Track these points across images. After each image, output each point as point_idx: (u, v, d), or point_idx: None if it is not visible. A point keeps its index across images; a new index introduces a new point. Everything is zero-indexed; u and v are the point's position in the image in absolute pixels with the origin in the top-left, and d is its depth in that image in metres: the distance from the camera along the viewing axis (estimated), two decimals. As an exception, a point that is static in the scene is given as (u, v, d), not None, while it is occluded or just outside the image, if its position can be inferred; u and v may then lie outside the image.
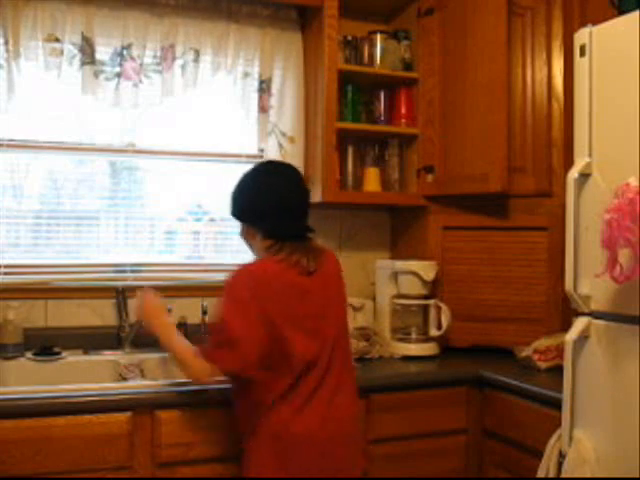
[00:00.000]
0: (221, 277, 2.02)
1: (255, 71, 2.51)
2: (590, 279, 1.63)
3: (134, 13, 2.33)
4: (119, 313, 2.32)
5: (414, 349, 2.39)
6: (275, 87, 2.54)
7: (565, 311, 2.24)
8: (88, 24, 2.26)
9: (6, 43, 2.17)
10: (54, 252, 2.40)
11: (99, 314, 2.37)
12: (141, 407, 1.76)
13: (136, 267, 2.44)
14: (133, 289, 2.21)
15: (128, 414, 1.74)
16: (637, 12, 1.55)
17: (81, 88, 2.27)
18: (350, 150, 2.60)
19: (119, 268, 2.42)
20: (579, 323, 1.66)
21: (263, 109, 2.53)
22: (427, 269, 2.39)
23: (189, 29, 2.40)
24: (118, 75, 2.31)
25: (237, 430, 1.73)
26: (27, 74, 2.23)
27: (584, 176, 1.67)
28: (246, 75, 2.50)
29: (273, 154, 2.52)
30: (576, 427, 1.66)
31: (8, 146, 2.29)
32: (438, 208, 2.52)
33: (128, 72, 2.32)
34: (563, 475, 1.66)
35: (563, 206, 1.79)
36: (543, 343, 2.19)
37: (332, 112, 2.38)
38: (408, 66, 2.59)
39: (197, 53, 2.41)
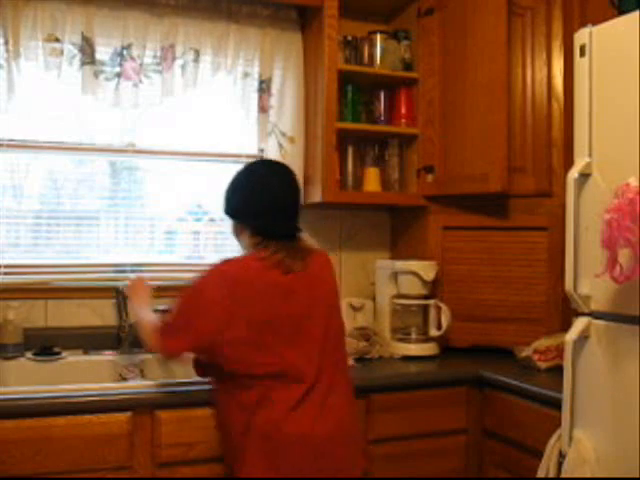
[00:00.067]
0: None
1: (255, 71, 2.51)
2: (590, 279, 1.63)
3: (134, 13, 2.33)
4: (119, 313, 2.32)
5: (414, 349, 2.39)
6: (275, 87, 2.54)
7: (565, 311, 2.24)
8: (88, 24, 2.26)
9: (6, 43, 2.17)
10: (54, 252, 2.40)
11: (99, 314, 2.37)
12: (141, 407, 1.76)
13: (136, 267, 2.43)
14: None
15: (128, 414, 1.74)
16: (637, 12, 1.56)
17: (81, 88, 2.27)
18: (350, 150, 2.60)
19: (119, 268, 2.42)
20: (579, 323, 1.66)
21: (263, 109, 2.53)
22: (427, 269, 2.39)
23: (189, 29, 2.40)
24: (118, 75, 2.31)
25: (223, 430, 1.71)
26: (27, 74, 2.23)
27: (584, 176, 1.67)
28: (246, 75, 2.50)
29: (273, 154, 2.52)
30: (576, 427, 1.66)
31: (8, 146, 2.29)
32: (438, 208, 2.52)
33: (128, 72, 2.32)
34: (563, 475, 1.66)
35: (563, 206, 1.79)
36: (543, 343, 2.19)
37: (332, 112, 2.38)
38: (408, 66, 2.59)
39: (197, 53, 2.41)
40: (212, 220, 2.62)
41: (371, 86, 2.61)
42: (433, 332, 2.41)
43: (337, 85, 2.39)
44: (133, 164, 2.54)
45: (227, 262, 1.65)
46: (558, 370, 1.86)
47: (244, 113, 2.52)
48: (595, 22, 1.69)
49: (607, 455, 1.58)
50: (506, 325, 2.41)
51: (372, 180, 2.56)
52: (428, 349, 2.38)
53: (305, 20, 2.57)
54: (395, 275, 2.46)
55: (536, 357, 2.17)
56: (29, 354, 2.17)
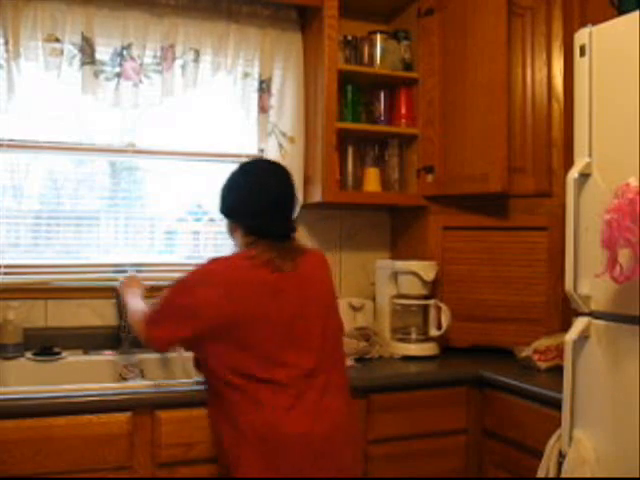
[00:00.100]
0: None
1: (255, 71, 2.51)
2: (590, 279, 1.63)
3: (134, 13, 2.33)
4: (119, 313, 2.32)
5: (414, 349, 2.39)
6: (275, 87, 2.54)
7: (565, 311, 2.24)
8: (88, 24, 2.26)
9: (6, 43, 2.17)
10: (54, 252, 2.40)
11: (99, 314, 2.37)
12: (141, 407, 1.76)
13: (136, 267, 2.43)
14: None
15: (128, 414, 1.74)
16: (637, 12, 1.56)
17: (81, 88, 2.27)
18: (350, 150, 2.60)
19: (119, 268, 2.41)
20: (579, 323, 1.66)
21: (263, 109, 2.53)
22: (427, 269, 2.39)
23: (189, 29, 2.40)
24: (118, 75, 2.31)
25: (217, 431, 1.69)
26: (27, 74, 2.23)
27: (584, 176, 1.67)
28: (246, 75, 2.50)
29: (273, 154, 2.52)
30: (576, 427, 1.66)
31: (8, 146, 2.29)
32: (438, 208, 2.52)
33: (128, 72, 2.32)
34: (563, 475, 1.66)
35: (563, 206, 1.79)
36: (543, 343, 2.19)
37: (332, 112, 2.38)
38: (408, 66, 2.59)
39: (197, 53, 2.41)
40: (212, 220, 2.62)
41: (371, 86, 2.61)
42: (433, 332, 2.41)
43: (337, 85, 2.39)
44: (133, 164, 2.54)
45: (216, 261, 1.65)
46: (558, 370, 1.86)
47: (244, 113, 2.52)
48: (595, 22, 1.69)
49: (607, 455, 1.58)
50: (506, 325, 2.41)
51: (372, 180, 2.56)
52: (428, 349, 2.38)
53: (305, 20, 2.57)
54: (395, 275, 2.46)
55: (536, 357, 2.17)
56: (29, 354, 2.17)
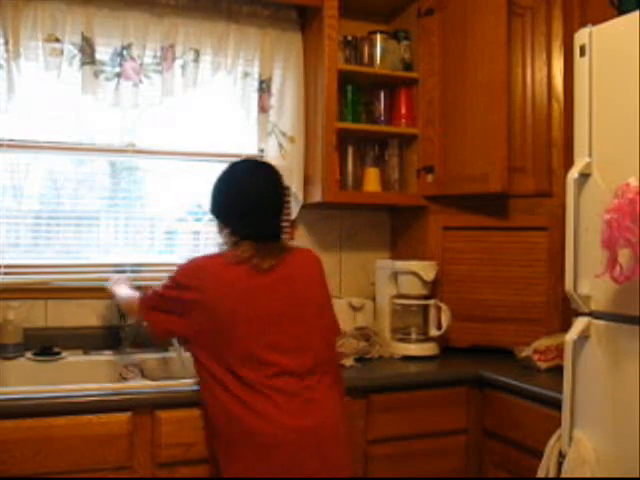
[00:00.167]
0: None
1: (255, 71, 2.51)
2: (590, 279, 1.63)
3: (134, 13, 2.33)
4: (119, 313, 2.32)
5: (414, 349, 2.39)
6: (275, 87, 2.54)
7: (565, 311, 2.24)
8: (88, 24, 2.26)
9: (6, 43, 2.17)
10: (54, 252, 2.40)
11: (99, 314, 2.37)
12: (141, 407, 1.76)
13: (136, 267, 2.43)
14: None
15: (128, 414, 1.74)
16: (637, 12, 1.56)
17: (81, 88, 2.27)
18: (350, 150, 2.60)
19: (119, 268, 2.41)
20: (579, 323, 1.66)
21: (263, 109, 2.53)
22: (427, 269, 2.39)
23: (189, 29, 2.40)
24: (118, 75, 2.31)
25: (207, 426, 1.70)
26: (27, 74, 2.23)
27: (584, 176, 1.67)
28: (246, 75, 2.50)
29: (273, 154, 2.53)
30: (576, 427, 1.66)
31: (8, 146, 2.29)
32: (438, 208, 2.52)
33: (128, 72, 2.32)
34: (563, 475, 1.66)
35: (563, 206, 1.79)
36: (543, 343, 2.19)
37: (332, 112, 2.38)
38: (408, 66, 2.59)
39: (197, 53, 2.41)
40: (212, 220, 2.61)
41: (371, 86, 2.61)
42: (433, 332, 2.41)
43: (337, 85, 2.39)
44: (133, 164, 2.54)
45: (203, 258, 1.70)
46: (558, 370, 1.86)
47: (244, 113, 2.52)
48: (595, 22, 1.69)
49: (607, 455, 1.58)
50: (506, 325, 2.41)
51: (372, 180, 2.56)
52: (428, 349, 2.38)
53: (305, 20, 2.57)
54: (395, 275, 2.46)
55: (536, 357, 2.17)
56: (29, 354, 2.17)
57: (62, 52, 2.24)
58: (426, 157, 2.54)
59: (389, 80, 2.57)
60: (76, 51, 2.26)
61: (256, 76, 2.51)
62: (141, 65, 2.34)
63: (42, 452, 1.65)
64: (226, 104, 2.52)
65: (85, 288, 2.35)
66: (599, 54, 1.66)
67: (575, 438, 1.65)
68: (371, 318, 2.54)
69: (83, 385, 1.82)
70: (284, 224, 2.61)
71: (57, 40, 2.23)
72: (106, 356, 2.25)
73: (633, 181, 1.49)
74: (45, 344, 2.22)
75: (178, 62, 2.39)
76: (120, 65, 2.31)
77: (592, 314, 1.65)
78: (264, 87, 2.52)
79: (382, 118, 2.61)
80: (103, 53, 2.30)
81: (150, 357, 2.26)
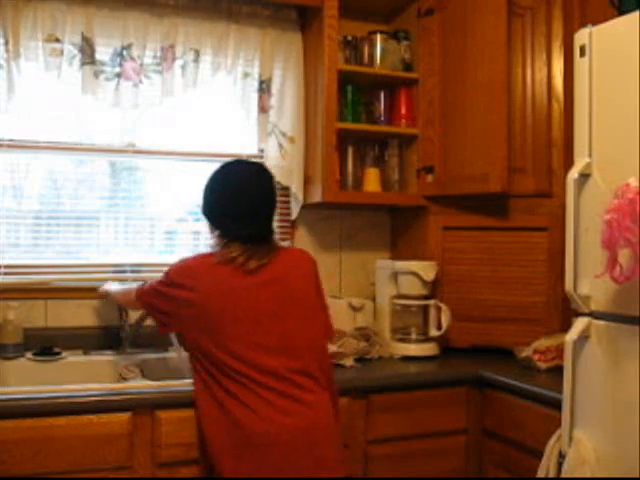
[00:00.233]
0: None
1: (255, 71, 2.51)
2: (590, 279, 1.63)
3: (134, 13, 2.33)
4: (119, 313, 2.32)
5: (414, 349, 2.39)
6: (275, 87, 2.54)
7: (565, 311, 2.24)
8: (88, 24, 2.26)
9: (6, 43, 2.17)
10: (54, 252, 2.40)
11: (99, 314, 2.37)
12: (141, 407, 1.77)
13: (136, 267, 2.44)
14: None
15: (128, 414, 1.75)
16: (637, 12, 1.56)
17: (81, 88, 2.27)
18: (350, 150, 2.60)
19: (119, 268, 2.42)
20: (579, 323, 1.66)
21: (263, 109, 2.53)
22: (427, 269, 2.39)
23: (189, 29, 2.40)
24: (118, 75, 2.31)
25: (198, 424, 1.68)
26: (27, 74, 2.23)
27: (584, 176, 1.67)
28: (246, 75, 2.50)
29: (273, 154, 2.53)
30: (576, 427, 1.66)
31: (8, 146, 2.29)
32: (438, 208, 2.52)
33: (128, 72, 2.32)
34: (563, 475, 1.66)
35: (563, 206, 1.79)
36: (543, 343, 2.19)
37: (332, 112, 2.38)
38: (408, 66, 2.59)
39: (197, 53, 2.41)
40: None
41: (371, 86, 2.61)
42: (433, 332, 2.41)
43: (337, 85, 2.39)
44: (133, 164, 2.54)
45: (195, 258, 1.71)
46: (558, 370, 1.86)
47: (244, 113, 2.52)
48: (595, 22, 1.69)
49: (607, 455, 1.58)
50: (506, 325, 2.41)
51: (372, 180, 2.56)
52: (428, 349, 2.38)
53: (305, 20, 2.57)
54: (395, 275, 2.46)
55: (536, 357, 2.17)
56: (29, 354, 2.17)
57: (62, 52, 2.24)
58: (426, 157, 2.54)
59: (389, 80, 2.58)
60: (76, 51, 2.26)
61: (256, 76, 2.51)
62: (141, 65, 2.34)
63: (42, 452, 1.65)
64: (226, 104, 2.52)
65: (85, 288, 2.35)
66: (599, 54, 1.66)
67: (575, 438, 1.65)
68: (371, 318, 2.54)
69: (83, 385, 1.83)
70: (284, 224, 2.64)
71: (57, 40, 2.23)
72: (106, 356, 2.25)
73: (633, 181, 1.49)
74: (45, 344, 2.22)
75: (178, 62, 2.39)
76: (120, 65, 2.31)
77: (592, 314, 1.65)
78: (264, 87, 2.52)
79: (382, 118, 2.61)
80: (103, 53, 2.30)
81: (150, 357, 2.26)
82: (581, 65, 1.71)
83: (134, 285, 1.92)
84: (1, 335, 2.17)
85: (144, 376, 2.12)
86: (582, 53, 1.70)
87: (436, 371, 2.24)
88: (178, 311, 1.65)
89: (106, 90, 2.31)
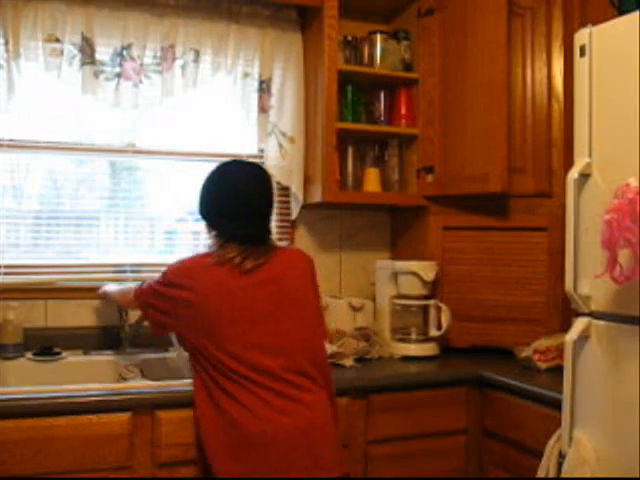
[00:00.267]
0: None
1: (255, 71, 2.51)
2: (590, 279, 1.63)
3: (134, 13, 2.33)
4: (119, 313, 2.32)
5: (414, 349, 2.39)
6: (275, 87, 2.54)
7: (565, 311, 2.24)
8: (88, 24, 2.26)
9: (6, 43, 2.17)
10: (54, 252, 2.40)
11: (99, 314, 2.37)
12: (141, 407, 1.76)
13: (136, 267, 2.43)
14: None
15: (128, 414, 1.74)
16: (637, 12, 1.56)
17: (81, 88, 2.27)
18: (350, 150, 2.60)
19: (119, 268, 2.42)
20: (579, 323, 1.66)
21: (263, 109, 2.53)
22: (427, 269, 2.39)
23: (189, 29, 2.40)
24: (118, 75, 2.31)
25: (196, 423, 1.70)
26: (27, 74, 2.23)
27: (584, 176, 1.67)
28: (246, 75, 2.50)
29: (273, 154, 2.53)
30: (576, 427, 1.66)
31: (8, 146, 2.29)
32: (438, 208, 2.52)
33: (128, 72, 2.32)
34: (563, 475, 1.66)
35: (563, 206, 1.79)
36: (543, 343, 2.19)
37: (332, 112, 2.38)
38: (408, 66, 2.59)
39: (197, 53, 2.41)
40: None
41: (371, 86, 2.61)
42: (433, 332, 2.41)
43: (337, 85, 2.39)
44: (133, 164, 2.54)
45: (193, 258, 1.72)
46: (558, 370, 1.86)
47: (244, 113, 2.52)
48: (595, 22, 1.69)
49: (607, 455, 1.58)
50: (506, 325, 2.41)
51: (372, 180, 2.56)
52: (428, 349, 2.38)
53: (305, 20, 2.57)
54: (395, 275, 2.46)
55: (536, 357, 2.17)
56: (29, 354, 2.17)
57: (62, 52, 2.24)
58: (426, 157, 2.54)
59: (389, 80, 2.58)
60: (76, 51, 2.26)
61: (256, 76, 2.51)
62: (141, 65, 2.34)
63: (42, 452, 1.65)
64: (226, 104, 2.52)
65: (85, 288, 2.34)
66: (599, 54, 1.66)
67: (575, 438, 1.65)
68: (371, 318, 2.54)
69: (83, 385, 1.82)
70: (284, 224, 2.64)
71: (57, 40, 2.23)
72: (106, 356, 2.25)
73: (633, 181, 1.49)
74: (45, 344, 2.22)
75: (178, 62, 2.39)
76: (120, 65, 2.31)
77: (592, 314, 1.65)
78: (264, 87, 2.52)
79: (382, 118, 2.61)
80: (103, 53, 2.30)
81: (150, 357, 2.26)
82: (581, 65, 1.71)
83: (132, 285, 1.92)
84: (1, 335, 2.17)
85: (144, 376, 2.11)
86: (582, 53, 1.70)
87: (436, 371, 2.24)
88: (176, 311, 1.66)
89: (106, 90, 2.31)
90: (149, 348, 2.31)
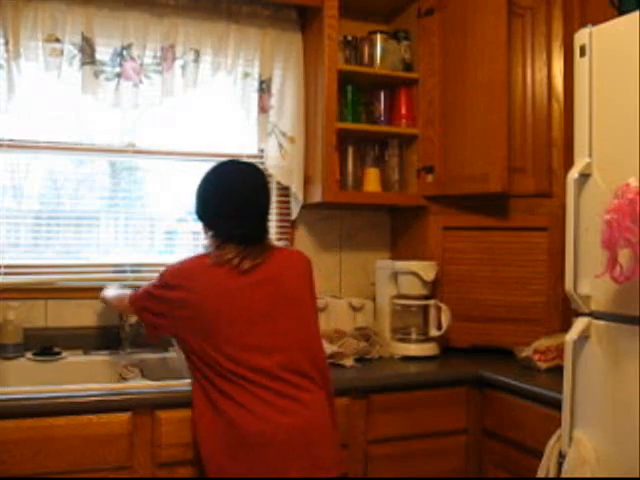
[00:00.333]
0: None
1: (255, 71, 2.51)
2: (590, 279, 1.63)
3: (134, 13, 2.33)
4: (119, 313, 2.32)
5: (414, 349, 2.39)
6: (275, 87, 2.54)
7: (565, 311, 2.24)
8: (88, 24, 2.26)
9: (6, 43, 2.17)
10: (54, 252, 2.40)
11: (99, 314, 2.37)
12: (141, 407, 1.76)
13: (136, 267, 2.44)
14: (134, 289, 2.21)
15: (128, 414, 1.74)
16: (637, 12, 1.56)
17: (81, 88, 2.27)
18: (350, 150, 2.60)
19: (119, 268, 2.42)
20: (579, 323, 1.66)
21: (263, 109, 2.53)
22: (427, 269, 2.39)
23: (189, 29, 2.40)
24: (118, 75, 2.31)
25: (193, 424, 1.70)
26: (27, 74, 2.23)
27: (584, 176, 1.67)
28: (246, 75, 2.50)
29: (273, 154, 2.53)
30: (576, 427, 1.66)
31: (8, 146, 2.29)
32: (438, 208, 2.52)
33: (128, 72, 2.32)
34: (563, 475, 1.66)
35: (563, 206, 1.79)
36: (543, 343, 2.19)
37: (332, 112, 2.38)
38: (408, 66, 2.59)
39: (197, 53, 2.41)
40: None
41: (371, 86, 2.61)
42: (433, 332, 2.41)
43: (337, 85, 2.39)
44: (133, 164, 2.54)
45: (190, 259, 1.71)
46: (558, 370, 1.86)
47: (244, 113, 2.52)
48: (595, 22, 1.69)
49: (607, 455, 1.58)
50: (506, 325, 2.41)
51: (372, 180, 2.56)
52: (428, 349, 2.38)
53: (305, 20, 2.57)
54: (395, 275, 2.46)
55: (536, 357, 2.17)
56: (29, 354, 2.17)
57: (62, 52, 2.24)
58: (426, 157, 2.54)
59: (389, 80, 2.57)
60: (76, 51, 2.26)
61: (256, 76, 2.51)
62: (141, 65, 2.34)
63: (42, 452, 1.65)
64: (226, 104, 2.52)
65: (85, 288, 2.35)
66: (599, 54, 1.66)
67: (575, 438, 1.65)
68: (371, 318, 2.54)
69: (83, 385, 1.82)
70: (284, 224, 2.64)
71: (57, 40, 2.23)
72: (106, 356, 2.25)
73: (633, 181, 1.49)
74: (45, 344, 2.22)
75: (178, 62, 2.39)
76: (120, 65, 2.31)
77: (592, 314, 1.65)
78: (264, 87, 2.52)
79: (382, 118, 2.61)
80: (103, 53, 2.30)
81: (150, 357, 2.27)
82: (581, 65, 1.71)
83: (128, 292, 1.91)
84: (1, 335, 2.17)
85: (144, 376, 2.12)
86: (582, 53, 1.70)
87: (436, 371, 2.24)
88: (173, 312, 1.66)
89: (106, 90, 2.31)
90: (149, 348, 2.31)
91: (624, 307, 1.55)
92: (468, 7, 2.38)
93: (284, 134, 2.53)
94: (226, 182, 1.75)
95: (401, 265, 2.44)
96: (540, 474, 1.76)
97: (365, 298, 2.59)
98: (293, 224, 2.66)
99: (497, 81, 2.29)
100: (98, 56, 2.29)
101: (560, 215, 2.18)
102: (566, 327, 1.85)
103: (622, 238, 1.46)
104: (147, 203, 2.54)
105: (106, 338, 2.34)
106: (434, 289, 2.46)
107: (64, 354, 2.21)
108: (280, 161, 2.52)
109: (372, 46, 2.55)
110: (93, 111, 2.36)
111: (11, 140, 2.30)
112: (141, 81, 2.34)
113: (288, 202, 2.64)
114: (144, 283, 2.21)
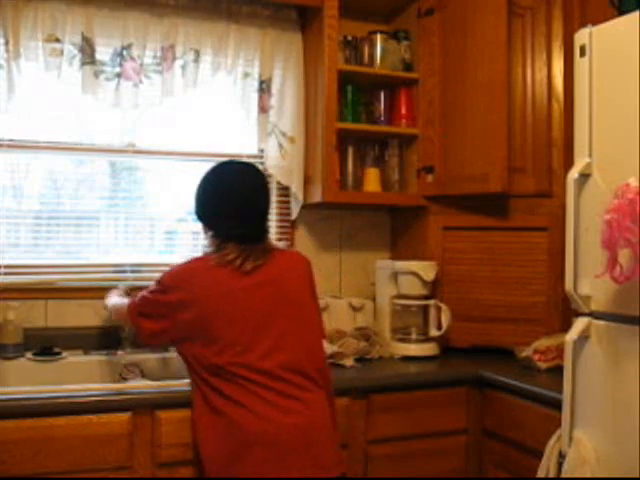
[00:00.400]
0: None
1: (255, 71, 2.51)
2: (590, 279, 1.63)
3: (134, 13, 2.33)
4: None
5: (414, 349, 2.39)
6: (275, 87, 2.54)
7: (565, 311, 2.24)
8: (88, 24, 2.26)
9: (6, 43, 2.17)
10: (54, 252, 2.40)
11: (99, 314, 2.37)
12: (141, 407, 1.76)
13: (136, 267, 2.44)
14: (134, 289, 2.21)
15: (128, 414, 1.74)
16: (637, 12, 1.56)
17: (81, 88, 2.27)
18: (350, 150, 2.60)
19: (119, 268, 2.42)
20: (579, 323, 1.66)
21: (263, 109, 2.53)
22: (427, 269, 2.39)
23: (189, 29, 2.40)
24: (118, 75, 2.31)
25: (193, 424, 1.70)
26: (27, 74, 2.23)
27: (584, 176, 1.67)
28: (246, 75, 2.50)
29: (273, 154, 2.53)
30: (576, 427, 1.66)
31: (8, 146, 2.29)
32: (438, 208, 2.52)
33: (128, 72, 2.32)
34: (563, 475, 1.66)
35: (563, 206, 1.79)
36: (543, 343, 2.19)
37: (332, 112, 2.38)
38: (408, 66, 2.59)
39: (197, 53, 2.41)
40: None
41: (371, 86, 2.61)
42: (433, 332, 2.41)
43: (337, 85, 2.39)
44: (133, 164, 2.54)
45: (189, 261, 1.71)
46: (558, 370, 1.86)
47: (244, 113, 2.52)
48: (595, 22, 1.69)
49: (607, 455, 1.58)
50: (506, 325, 2.41)
51: (372, 180, 2.56)
52: (428, 349, 2.38)
53: (305, 20, 2.57)
54: (395, 275, 2.46)
55: (536, 357, 2.17)
56: (29, 354, 2.17)
57: (62, 52, 2.24)
58: (426, 157, 2.54)
59: (389, 80, 2.58)
60: (76, 51, 2.26)
61: (256, 76, 2.51)
62: (141, 65, 2.34)
63: (42, 452, 1.65)
64: (226, 104, 2.52)
65: (85, 288, 2.35)
66: (599, 54, 1.66)
67: (575, 438, 1.65)
68: (371, 318, 2.54)
69: (83, 385, 1.83)
70: (284, 224, 2.64)
71: (57, 40, 2.23)
72: (106, 356, 2.25)
73: (633, 181, 1.49)
74: (45, 344, 2.22)
75: (178, 62, 2.39)
76: (120, 65, 2.31)
77: (592, 314, 1.65)
78: (264, 87, 2.52)
79: (382, 118, 2.61)
80: (103, 53, 2.30)
81: (150, 357, 2.26)
82: (581, 65, 1.71)
83: (126, 300, 1.90)
84: (1, 335, 2.17)
85: (144, 376, 2.12)
86: (582, 53, 1.70)
87: (436, 371, 2.24)
88: (173, 314, 1.65)
89: (106, 90, 2.31)
90: (149, 348, 2.31)
91: (624, 307, 1.55)
92: (468, 7, 2.38)
93: (284, 134, 2.53)
94: (225, 182, 1.75)
95: (401, 265, 2.44)
96: (540, 474, 1.76)
97: (365, 298, 2.59)
98: (293, 224, 2.66)
99: (497, 81, 2.29)
100: (98, 56, 2.29)
101: (560, 215, 2.18)
102: (566, 327, 1.85)
103: (622, 238, 1.46)
104: (147, 203, 2.54)
105: (106, 338, 2.34)
106: (434, 289, 2.46)
107: (64, 354, 2.20)
108: (280, 161, 2.52)
109: (372, 46, 2.55)
110: (93, 111, 2.36)
111: (11, 140, 2.29)
112: (141, 81, 2.34)
113: (288, 202, 2.64)
114: (144, 283, 2.23)
